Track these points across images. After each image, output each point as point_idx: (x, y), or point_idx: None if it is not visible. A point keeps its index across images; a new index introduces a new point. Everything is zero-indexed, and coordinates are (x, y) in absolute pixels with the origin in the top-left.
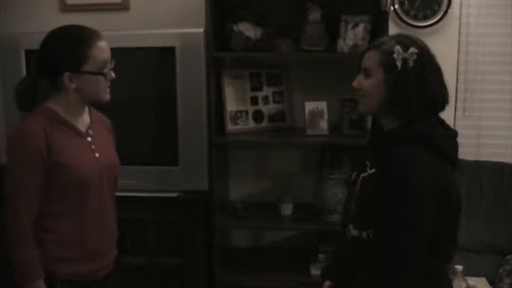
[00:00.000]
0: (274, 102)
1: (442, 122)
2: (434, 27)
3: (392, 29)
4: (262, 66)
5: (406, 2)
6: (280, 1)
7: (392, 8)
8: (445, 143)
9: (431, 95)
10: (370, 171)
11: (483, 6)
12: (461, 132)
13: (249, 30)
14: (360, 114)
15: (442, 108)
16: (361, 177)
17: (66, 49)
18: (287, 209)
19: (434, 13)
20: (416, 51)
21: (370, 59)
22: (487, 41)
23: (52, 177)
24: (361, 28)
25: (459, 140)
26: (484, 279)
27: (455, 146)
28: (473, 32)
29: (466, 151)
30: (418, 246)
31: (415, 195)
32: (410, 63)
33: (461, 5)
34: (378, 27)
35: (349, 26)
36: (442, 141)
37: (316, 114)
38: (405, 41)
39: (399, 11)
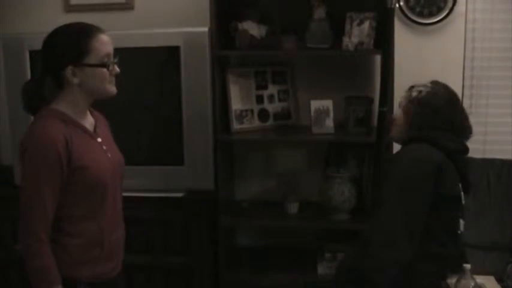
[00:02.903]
0: (280, 100)
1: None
2: (440, 24)
3: (398, 26)
4: (267, 64)
5: None
6: None
7: (397, 5)
8: (441, 136)
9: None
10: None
11: (489, 2)
12: None
13: (253, 29)
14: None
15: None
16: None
17: (67, 43)
18: (293, 208)
19: (439, 10)
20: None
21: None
22: (493, 37)
23: (74, 182)
24: (366, 25)
25: None
26: (492, 278)
27: (465, 163)
28: (479, 28)
29: (473, 148)
30: (400, 223)
31: (399, 173)
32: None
33: (467, 1)
34: (383, 25)
35: (355, 23)
36: (439, 136)
37: (322, 113)
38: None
39: (404, 8)
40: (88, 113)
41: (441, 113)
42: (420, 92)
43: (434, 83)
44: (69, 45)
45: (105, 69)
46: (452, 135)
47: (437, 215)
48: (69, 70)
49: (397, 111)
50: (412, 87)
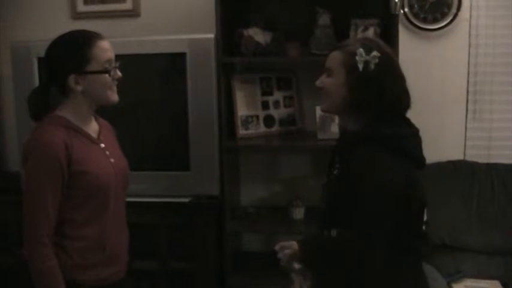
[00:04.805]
0: (285, 106)
1: (406, 120)
2: (444, 29)
3: (402, 32)
4: (272, 70)
5: (415, 5)
6: (290, 5)
7: (402, 11)
8: (408, 142)
9: (391, 99)
10: (335, 172)
11: (492, 8)
12: (472, 134)
13: (258, 35)
14: (324, 112)
15: (402, 113)
16: (328, 179)
17: (68, 52)
18: (298, 213)
19: (444, 16)
20: (378, 55)
21: (333, 59)
22: (496, 42)
23: (74, 186)
24: (371, 32)
25: (470, 142)
26: (497, 282)
27: (419, 144)
28: (483, 34)
29: (477, 153)
30: (377, 244)
31: (370, 194)
32: (372, 66)
33: (471, 7)
34: (387, 31)
35: (359, 30)
36: (404, 141)
37: (327, 118)
38: (369, 44)
39: (409, 14)
40: (93, 119)
41: (389, 94)
42: (367, 64)
43: (375, 45)
44: (70, 54)
45: (107, 75)
46: (406, 126)
47: (409, 228)
48: (71, 79)
49: (323, 77)
50: (345, 45)
